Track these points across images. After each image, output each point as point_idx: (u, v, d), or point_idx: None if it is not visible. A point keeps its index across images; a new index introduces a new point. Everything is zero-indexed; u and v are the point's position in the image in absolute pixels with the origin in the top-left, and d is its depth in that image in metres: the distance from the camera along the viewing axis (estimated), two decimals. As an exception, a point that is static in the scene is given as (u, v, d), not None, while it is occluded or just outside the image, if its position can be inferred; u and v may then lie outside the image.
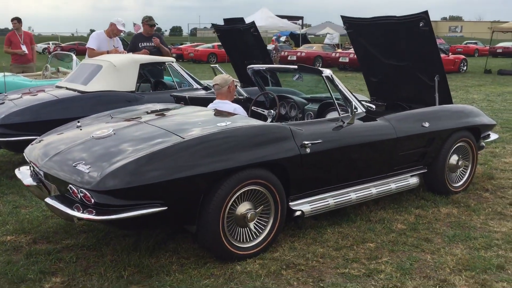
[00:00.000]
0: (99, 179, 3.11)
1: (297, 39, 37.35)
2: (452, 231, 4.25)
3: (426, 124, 4.75)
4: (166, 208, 3.25)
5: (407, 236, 4.12)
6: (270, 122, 5.11)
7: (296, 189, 3.94)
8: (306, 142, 3.87)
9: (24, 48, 10.02)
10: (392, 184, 4.63)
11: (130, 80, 6.26)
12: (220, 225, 3.49)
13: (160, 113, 4.38)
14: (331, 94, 4.33)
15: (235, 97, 5.62)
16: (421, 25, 4.91)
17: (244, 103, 5.61)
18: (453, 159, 5.11)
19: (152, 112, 4.49)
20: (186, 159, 3.35)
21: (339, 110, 4.34)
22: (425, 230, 4.26)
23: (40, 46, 42.95)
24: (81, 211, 3.17)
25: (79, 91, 6.07)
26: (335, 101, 4.34)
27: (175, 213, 3.37)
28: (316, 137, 3.97)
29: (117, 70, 6.20)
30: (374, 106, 4.92)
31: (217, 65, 5.78)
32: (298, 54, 26.86)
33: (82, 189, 3.16)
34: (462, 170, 5.27)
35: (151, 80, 7.41)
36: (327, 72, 4.37)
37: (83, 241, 3.96)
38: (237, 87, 5.62)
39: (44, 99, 5.80)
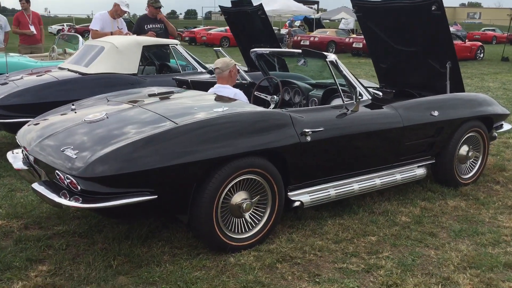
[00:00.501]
0: (85, 166, 2.98)
1: (311, 24, 36.85)
2: (459, 225, 4.06)
3: (435, 113, 4.53)
4: (156, 197, 3.12)
5: (411, 230, 3.95)
6: (273, 108, 4.95)
7: (295, 178, 3.78)
8: (306, 130, 3.70)
9: (32, 28, 9.89)
10: (398, 175, 4.45)
11: (133, 63, 6.11)
12: (214, 215, 3.35)
13: (158, 97, 4.23)
14: (335, 80, 4.13)
15: (237, 81, 5.47)
16: (433, 8, 4.67)
17: (248, 88, 5.44)
18: (463, 149, 4.90)
19: (150, 96, 4.34)
20: (179, 145, 3.21)
21: (343, 96, 4.15)
22: (430, 223, 4.08)
23: (54, 28, 43.01)
24: (68, 198, 3.04)
25: (80, 73, 5.95)
26: (339, 87, 4.14)
27: (165, 202, 3.23)
28: (317, 125, 3.80)
29: (119, 52, 6.05)
30: (381, 93, 4.71)
31: (220, 48, 5.60)
32: (311, 39, 26.49)
33: (68, 176, 3.03)
34: (472, 161, 5.06)
35: (156, 63, 7.26)
36: (331, 57, 4.17)
37: (75, 228, 3.85)
38: (240, 71, 5.44)
39: (44, 81, 5.69)
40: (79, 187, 3.01)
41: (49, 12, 78.05)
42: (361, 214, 4.22)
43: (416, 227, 4.01)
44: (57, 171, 3.12)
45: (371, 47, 5.64)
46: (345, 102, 4.15)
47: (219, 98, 4.10)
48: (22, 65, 7.79)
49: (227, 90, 4.45)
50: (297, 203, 3.80)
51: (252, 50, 5.34)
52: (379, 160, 4.30)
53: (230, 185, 3.41)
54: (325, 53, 4.24)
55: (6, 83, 5.80)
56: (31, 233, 3.77)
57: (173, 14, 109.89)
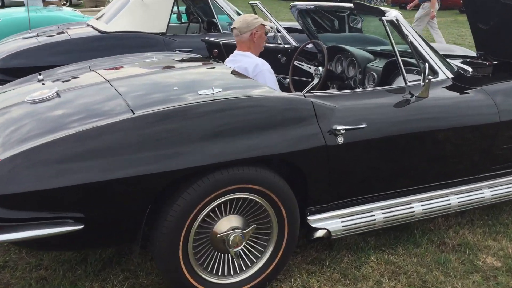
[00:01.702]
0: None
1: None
2: None
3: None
4: (83, 226, 2.06)
5: (500, 285, 2.58)
6: (316, 83, 3.66)
7: (318, 197, 2.54)
8: (338, 127, 2.42)
9: None
10: (487, 191, 3.01)
11: (161, 19, 5.01)
12: (180, 250, 2.24)
13: (148, 69, 3.13)
14: (394, 49, 2.75)
15: (279, 45, 4.21)
16: None
17: (292, 54, 4.14)
18: None
19: (145, 65, 3.26)
20: (126, 148, 2.10)
21: (405, 75, 2.77)
22: (532, 274, 2.67)
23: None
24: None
25: (100, 31, 4.98)
26: (400, 61, 2.76)
27: (101, 232, 2.16)
28: (357, 119, 2.50)
29: (145, 5, 4.98)
30: (470, 69, 3.24)
31: (257, 2, 4.32)
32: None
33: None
34: None
35: (202, 19, 6.13)
36: (392, 14, 2.79)
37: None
38: (280, 31, 4.16)
39: (52, 40, 4.79)
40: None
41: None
42: (424, 247, 2.89)
43: (508, 278, 2.63)
44: None
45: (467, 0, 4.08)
46: (408, 83, 2.77)
47: (238, 75, 2.92)
48: (66, 20, 7.04)
49: (247, 59, 3.22)
50: (321, 233, 2.57)
51: (292, 5, 4.01)
52: (458, 169, 2.91)
53: (208, 208, 2.26)
54: (384, 9, 2.86)
55: (17, 41, 5.00)
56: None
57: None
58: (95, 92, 2.63)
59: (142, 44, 4.76)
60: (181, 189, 2.19)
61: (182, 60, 3.37)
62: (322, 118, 2.43)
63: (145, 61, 3.34)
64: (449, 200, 2.90)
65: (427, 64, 2.67)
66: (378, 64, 3.54)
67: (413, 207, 2.80)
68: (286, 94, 2.54)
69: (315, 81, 3.68)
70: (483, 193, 3.00)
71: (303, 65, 3.87)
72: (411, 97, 2.70)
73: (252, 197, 2.33)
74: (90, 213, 2.08)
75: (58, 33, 5.12)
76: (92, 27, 5.22)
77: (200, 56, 3.73)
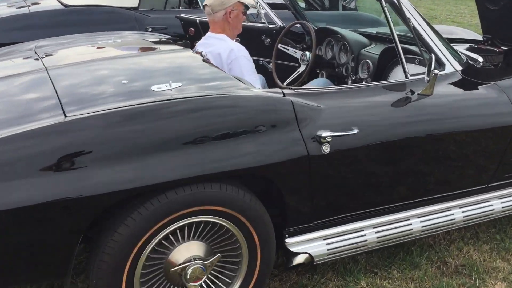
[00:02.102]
0: None
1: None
2: None
3: None
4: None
5: (510, 320, 2.18)
6: (303, 70, 3.19)
7: (297, 217, 2.10)
8: (323, 134, 1.97)
9: None
10: (496, 203, 2.58)
11: (132, -9, 4.49)
12: (124, 285, 1.80)
13: (103, 53, 2.65)
14: (393, 35, 2.27)
15: (264, 25, 3.72)
16: None
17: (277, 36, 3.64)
18: None
19: (99, 48, 2.77)
20: (48, 163, 1.63)
21: (406, 67, 2.30)
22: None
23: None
24: None
25: (63, 4, 4.44)
26: (400, 50, 2.29)
27: (22, 266, 1.71)
28: (347, 123, 2.05)
29: (114, -25, 4.45)
30: (481, 59, 2.77)
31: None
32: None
33: None
34: None
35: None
36: (390, -9, 2.31)
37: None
38: (264, 8, 3.66)
39: (9, 14, 4.26)
40: None
41: None
42: (422, 269, 2.47)
43: (520, 310, 2.23)
44: None
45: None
46: (410, 78, 2.30)
47: (197, 63, 2.43)
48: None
49: (221, 44, 2.73)
50: (301, 258, 2.13)
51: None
52: (464, 179, 2.47)
53: (160, 236, 1.81)
54: (381, -15, 2.38)
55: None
56: None
57: None
58: (27, 84, 2.15)
59: (110, 20, 4.25)
60: (123, 214, 1.74)
61: (144, 43, 2.88)
62: (305, 122, 1.98)
63: (101, 43, 2.84)
64: (453, 214, 2.47)
65: (433, 56, 2.18)
66: (374, 50, 3.06)
67: (411, 224, 2.37)
68: (258, 92, 2.06)
69: (302, 68, 3.22)
70: (492, 205, 2.57)
71: (288, 49, 3.38)
72: (412, 94, 2.24)
73: (216, 221, 1.89)
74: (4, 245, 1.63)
75: (18, 7, 4.58)
76: (58, 0, 4.68)
77: (169, 37, 3.22)
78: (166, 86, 1.96)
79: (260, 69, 3.55)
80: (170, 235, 1.84)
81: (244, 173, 1.88)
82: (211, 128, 1.82)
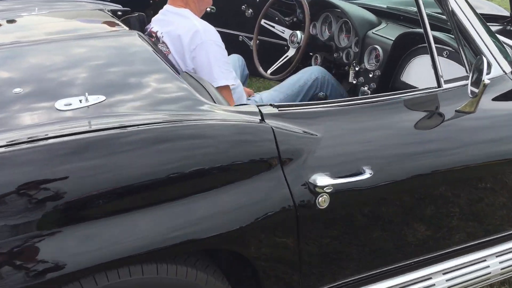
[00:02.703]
0: None
1: None
2: None
3: None
4: None
5: None
6: (292, 55, 2.48)
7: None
8: (319, 181, 1.29)
9: None
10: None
11: None
12: None
13: (15, 36, 1.90)
14: (422, 20, 1.54)
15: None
16: None
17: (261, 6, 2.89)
18: None
19: (14, 25, 2.02)
20: None
21: (439, 71, 1.59)
22: None
23: None
24: None
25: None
26: (431, 41, 1.55)
27: None
28: (356, 161, 1.37)
29: None
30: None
31: None
32: None
33: None
34: None
35: None
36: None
37: None
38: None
39: None
40: None
41: None
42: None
43: None
44: None
45: None
46: (444, 85, 1.60)
47: (141, 56, 1.67)
48: None
49: (182, 22, 2.00)
50: None
51: None
52: (503, 220, 1.82)
53: None
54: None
55: None
56: None
57: None
58: None
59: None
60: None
61: (78, 20, 2.12)
62: (292, 160, 1.30)
63: (21, 16, 2.08)
64: (488, 265, 1.84)
65: (484, 60, 1.47)
66: (385, 33, 2.35)
67: (434, 284, 1.74)
68: (220, 113, 1.33)
69: (291, 52, 2.51)
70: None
71: (274, 27, 2.65)
72: (446, 112, 1.55)
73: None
74: None
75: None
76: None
77: (120, 7, 2.44)
78: (80, 101, 1.27)
79: (240, 46, 2.84)
80: None
81: (201, 246, 1.22)
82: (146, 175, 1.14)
